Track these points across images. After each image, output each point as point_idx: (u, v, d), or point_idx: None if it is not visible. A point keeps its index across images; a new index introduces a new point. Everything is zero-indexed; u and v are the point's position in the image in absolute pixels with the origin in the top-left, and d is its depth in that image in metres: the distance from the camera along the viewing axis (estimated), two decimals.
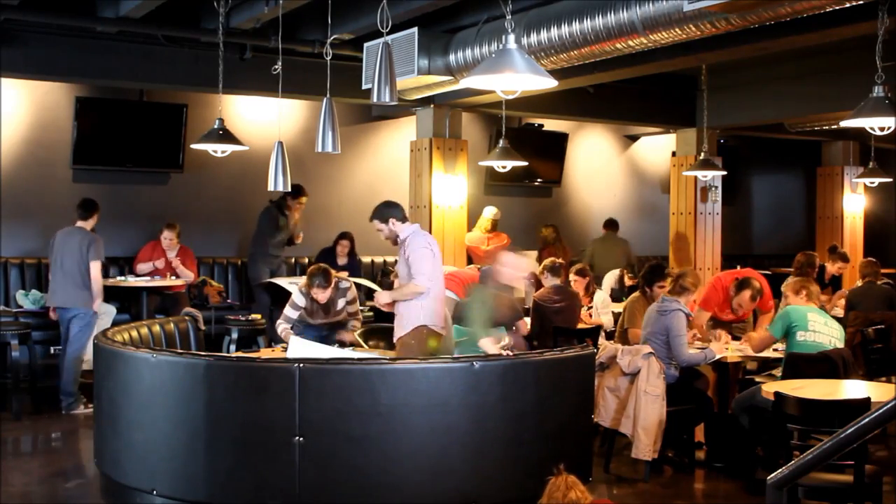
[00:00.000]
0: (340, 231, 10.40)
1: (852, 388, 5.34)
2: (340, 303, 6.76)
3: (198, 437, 4.91)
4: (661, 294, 6.63)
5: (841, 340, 5.99)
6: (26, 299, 8.98)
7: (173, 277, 9.33)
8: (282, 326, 6.60)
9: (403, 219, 6.06)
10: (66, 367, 7.78)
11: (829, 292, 9.85)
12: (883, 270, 9.06)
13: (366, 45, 7.56)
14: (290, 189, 6.76)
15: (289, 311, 6.65)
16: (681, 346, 6.06)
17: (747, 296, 6.92)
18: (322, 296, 6.57)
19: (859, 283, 8.77)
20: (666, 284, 6.82)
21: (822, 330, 5.98)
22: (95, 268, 7.79)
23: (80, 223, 7.95)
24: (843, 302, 9.62)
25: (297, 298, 6.65)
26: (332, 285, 6.62)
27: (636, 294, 7.26)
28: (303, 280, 6.69)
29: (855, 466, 4.25)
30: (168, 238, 9.45)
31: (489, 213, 10.26)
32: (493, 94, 6.63)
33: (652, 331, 6.19)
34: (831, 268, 10.06)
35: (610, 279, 10.30)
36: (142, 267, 9.41)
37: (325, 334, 6.77)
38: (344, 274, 9.82)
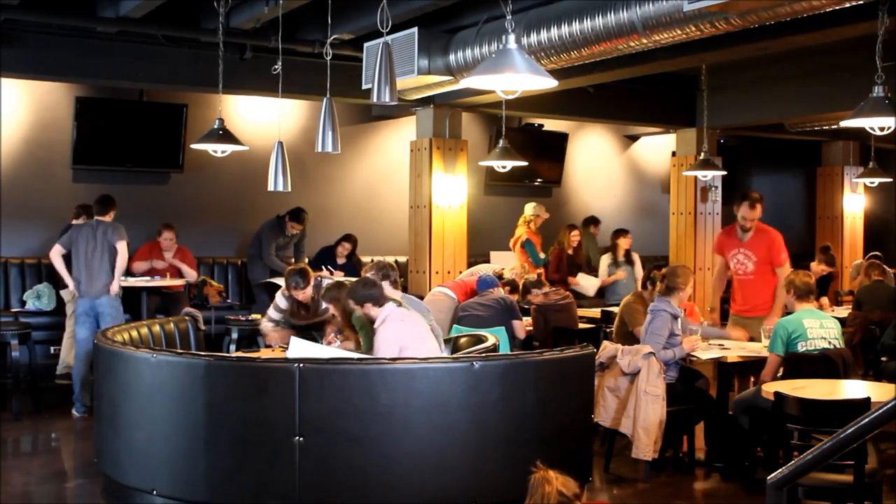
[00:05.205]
0: (341, 231, 10.41)
1: (852, 388, 5.34)
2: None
3: (198, 437, 4.91)
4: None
5: (839, 338, 5.97)
6: (38, 301, 9.01)
7: (177, 278, 9.31)
8: (267, 325, 6.52)
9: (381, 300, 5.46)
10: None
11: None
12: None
13: (366, 45, 7.56)
14: (290, 189, 6.74)
15: (272, 312, 6.53)
16: (654, 344, 6.03)
17: (746, 205, 6.95)
18: (303, 296, 6.46)
19: (866, 281, 8.67)
20: None
21: (820, 334, 5.94)
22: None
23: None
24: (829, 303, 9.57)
25: (280, 300, 6.55)
26: (312, 284, 6.48)
27: (630, 295, 7.23)
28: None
29: (855, 466, 4.25)
30: (168, 238, 9.43)
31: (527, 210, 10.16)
32: (493, 94, 6.63)
33: (644, 332, 6.20)
34: (815, 267, 10.01)
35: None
36: (138, 266, 9.38)
37: (313, 335, 6.64)
38: (340, 274, 9.85)
